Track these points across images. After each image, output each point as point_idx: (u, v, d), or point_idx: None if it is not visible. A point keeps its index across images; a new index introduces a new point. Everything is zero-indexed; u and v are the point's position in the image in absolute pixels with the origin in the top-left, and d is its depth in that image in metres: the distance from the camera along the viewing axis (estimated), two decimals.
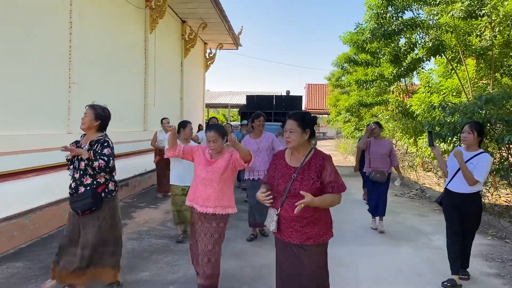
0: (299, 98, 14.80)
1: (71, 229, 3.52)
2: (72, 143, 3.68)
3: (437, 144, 8.82)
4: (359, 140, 6.29)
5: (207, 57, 17.76)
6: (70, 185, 3.53)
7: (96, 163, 3.37)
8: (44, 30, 6.04)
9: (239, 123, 15.43)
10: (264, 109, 12.42)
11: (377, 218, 6.29)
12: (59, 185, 5.66)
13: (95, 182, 3.46)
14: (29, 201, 5.48)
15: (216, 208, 3.49)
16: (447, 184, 4.21)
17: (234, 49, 18.20)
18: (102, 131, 3.65)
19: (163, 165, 7.70)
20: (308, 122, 2.67)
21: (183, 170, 5.07)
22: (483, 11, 7.49)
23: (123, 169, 8.09)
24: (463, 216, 4.07)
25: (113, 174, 3.64)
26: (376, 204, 6.20)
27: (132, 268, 4.35)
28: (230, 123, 17.76)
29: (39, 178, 5.71)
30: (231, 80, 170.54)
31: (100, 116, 3.59)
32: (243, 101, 33.72)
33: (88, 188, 3.44)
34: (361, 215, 6.98)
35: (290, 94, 18.43)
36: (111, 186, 3.58)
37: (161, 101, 11.19)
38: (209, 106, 32.93)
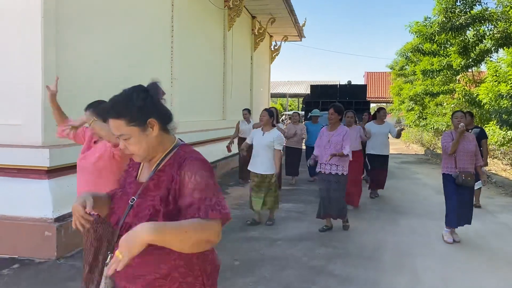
0: (363, 87, 15.19)
1: None
2: None
3: (504, 131, 9.12)
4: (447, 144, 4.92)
5: (272, 49, 18.67)
6: None
7: None
8: (155, 36, 7.27)
9: (301, 112, 16.04)
10: (328, 98, 12.94)
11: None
12: None
13: None
14: None
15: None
16: None
17: (298, 41, 18.90)
18: None
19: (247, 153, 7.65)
20: (138, 106, 1.44)
21: (259, 158, 5.45)
22: None
23: (210, 153, 9.24)
24: None
25: None
26: (460, 212, 4.90)
27: (242, 229, 5.39)
28: (298, 112, 18.10)
29: None
30: (289, 69, 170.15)
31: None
32: (301, 90, 34.44)
33: None
34: (429, 197, 7.67)
35: (352, 84, 18.75)
36: None
37: (236, 92, 12.31)
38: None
